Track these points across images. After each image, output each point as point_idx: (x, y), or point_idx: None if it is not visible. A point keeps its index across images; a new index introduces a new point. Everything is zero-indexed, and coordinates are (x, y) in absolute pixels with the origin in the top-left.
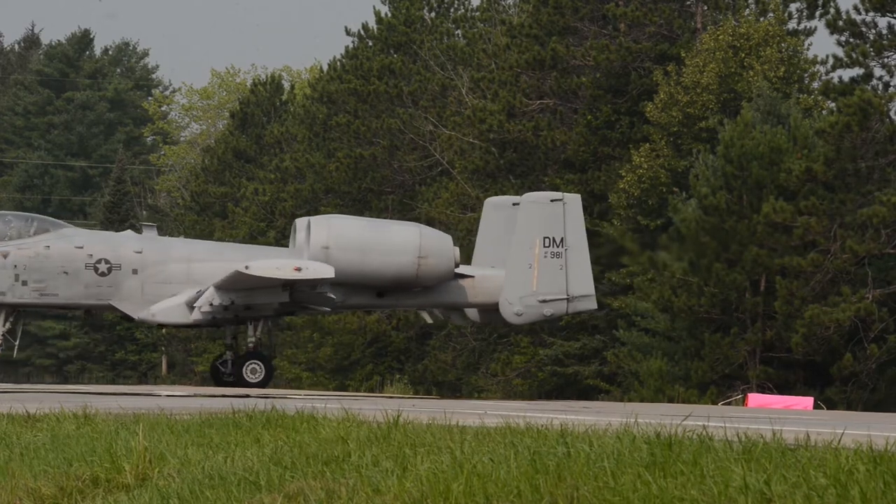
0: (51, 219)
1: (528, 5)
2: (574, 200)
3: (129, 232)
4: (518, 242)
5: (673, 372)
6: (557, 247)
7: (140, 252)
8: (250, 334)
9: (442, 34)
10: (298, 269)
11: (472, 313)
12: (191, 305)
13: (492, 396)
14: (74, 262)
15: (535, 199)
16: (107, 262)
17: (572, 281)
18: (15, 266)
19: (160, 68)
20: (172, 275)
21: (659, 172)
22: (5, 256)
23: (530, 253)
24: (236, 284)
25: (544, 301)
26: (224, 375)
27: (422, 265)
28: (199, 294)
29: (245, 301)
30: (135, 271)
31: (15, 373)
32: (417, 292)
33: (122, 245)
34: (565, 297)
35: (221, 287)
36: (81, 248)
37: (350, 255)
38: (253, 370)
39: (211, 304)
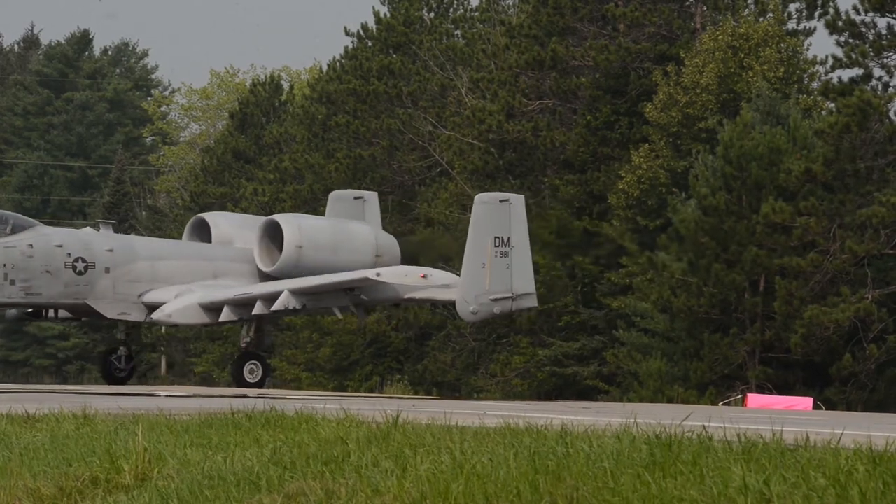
0: (24, 216)
1: (528, 5)
2: (519, 201)
3: (89, 229)
4: (472, 242)
5: (672, 372)
6: (505, 246)
7: (111, 250)
8: (244, 335)
9: (441, 34)
10: (424, 277)
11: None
12: (210, 308)
13: (491, 397)
14: (55, 260)
15: (487, 200)
16: (83, 260)
17: (516, 279)
18: (4, 265)
19: (160, 68)
20: (141, 273)
21: (658, 173)
22: None
23: (483, 253)
24: (355, 286)
25: (495, 300)
26: (116, 371)
27: (377, 263)
28: (241, 295)
29: (314, 305)
30: (107, 270)
31: (14, 373)
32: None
33: (94, 243)
34: (511, 295)
35: (298, 291)
36: (61, 246)
37: (322, 255)
38: (251, 370)
39: (286, 308)
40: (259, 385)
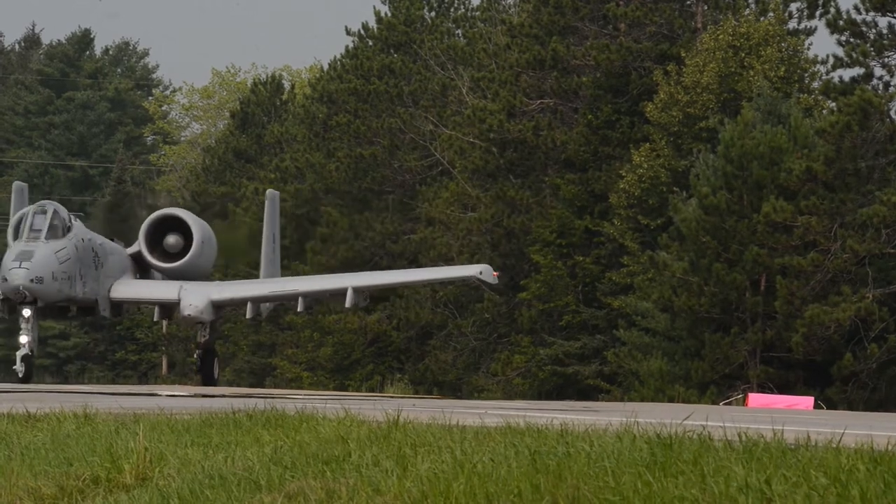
0: None
1: (529, 5)
2: (276, 197)
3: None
4: (266, 238)
5: (673, 372)
6: (275, 242)
7: (101, 245)
8: (203, 332)
9: (442, 34)
10: (496, 275)
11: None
12: (220, 305)
13: (492, 396)
14: (89, 255)
15: (271, 197)
16: (97, 255)
17: (275, 274)
18: (79, 260)
19: (160, 68)
20: (109, 269)
21: (659, 172)
22: (77, 249)
23: (270, 248)
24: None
25: None
26: None
27: (214, 258)
28: (280, 292)
29: (363, 302)
30: (101, 265)
31: (15, 373)
32: None
33: (94, 238)
34: None
35: (361, 289)
36: (91, 240)
37: (209, 251)
38: (214, 367)
39: (353, 305)
40: (218, 381)
